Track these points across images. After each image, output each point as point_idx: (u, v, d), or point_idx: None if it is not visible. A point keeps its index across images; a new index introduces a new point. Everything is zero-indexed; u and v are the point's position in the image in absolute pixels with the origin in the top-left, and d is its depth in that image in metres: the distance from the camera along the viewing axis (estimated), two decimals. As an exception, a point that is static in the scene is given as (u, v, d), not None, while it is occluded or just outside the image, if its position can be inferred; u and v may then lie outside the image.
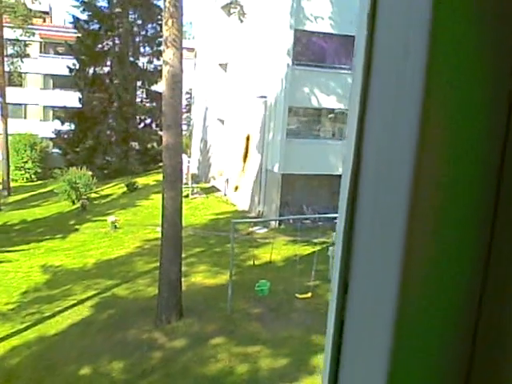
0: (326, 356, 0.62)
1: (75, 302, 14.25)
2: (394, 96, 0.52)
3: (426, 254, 0.51)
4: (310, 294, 13.72)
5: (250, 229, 19.96)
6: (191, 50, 33.96)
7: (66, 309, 13.83)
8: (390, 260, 0.52)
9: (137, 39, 34.11)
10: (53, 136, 34.96)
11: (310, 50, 21.09)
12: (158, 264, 13.60)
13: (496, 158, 0.51)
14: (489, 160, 0.51)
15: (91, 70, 33.57)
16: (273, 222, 20.64)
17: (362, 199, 0.57)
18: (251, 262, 15.66)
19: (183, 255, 13.93)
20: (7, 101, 29.97)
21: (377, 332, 0.54)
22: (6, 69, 30.38)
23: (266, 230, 20.32)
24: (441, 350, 0.54)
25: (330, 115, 22.37)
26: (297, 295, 13.61)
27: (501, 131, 0.51)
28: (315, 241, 18.26)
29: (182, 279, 13.47)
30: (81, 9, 33.13)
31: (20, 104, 37.51)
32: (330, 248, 15.05)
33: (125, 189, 27.98)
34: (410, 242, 0.50)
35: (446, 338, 0.54)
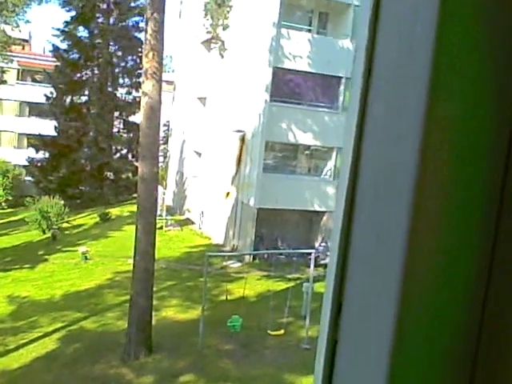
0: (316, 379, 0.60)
1: (41, 334, 13.78)
2: (395, 101, 0.49)
3: (428, 269, 0.49)
4: (282, 331, 13.53)
5: (224, 263, 19.79)
6: (170, 83, 34.20)
7: (31, 341, 13.36)
8: (388, 277, 0.49)
9: (116, 70, 34.22)
10: (26, 164, 34.47)
11: (288, 88, 21.42)
12: (129, 297, 13.31)
13: (500, 164, 0.49)
14: (493, 167, 0.49)
15: (68, 99, 33.47)
16: (247, 257, 20.50)
17: (358, 213, 0.54)
18: (224, 297, 15.43)
19: (155, 288, 13.68)
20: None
21: (373, 354, 0.51)
22: (-18, 94, 30.11)
23: (240, 264, 20.15)
24: (442, 377, 0.51)
25: (307, 151, 22.60)
26: (269, 332, 13.41)
27: (506, 135, 0.49)
28: (289, 276, 18.18)
29: (153, 313, 13.18)
30: (61, 38, 33.28)
31: (-6, 130, 37.07)
32: (305, 284, 14.96)
33: (97, 219, 27.58)
34: (410, 257, 0.48)
35: (446, 363, 0.50)
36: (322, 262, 20.47)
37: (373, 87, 0.52)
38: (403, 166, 0.48)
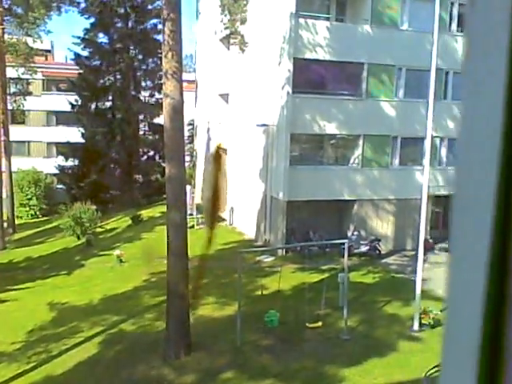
0: None
1: (82, 339, 14.00)
2: None
3: None
4: (320, 323, 13.46)
5: (257, 258, 19.78)
6: (192, 82, 34.26)
7: (73, 346, 13.57)
8: None
9: (138, 73, 34.50)
10: (57, 172, 35.09)
11: (310, 78, 21.20)
12: (165, 297, 13.40)
13: None
14: None
15: (93, 106, 33.90)
16: (280, 250, 20.44)
17: None
18: (259, 292, 15.42)
19: (190, 287, 13.72)
20: (10, 139, 30.08)
21: None
22: (9, 107, 30.63)
23: (273, 258, 20.11)
24: None
25: (332, 141, 22.37)
26: (307, 324, 13.35)
27: None
28: (323, 268, 18.07)
29: (190, 312, 13.24)
30: (82, 46, 33.68)
31: (23, 141, 37.73)
32: (340, 274, 14.82)
33: (130, 222, 27.86)
34: None
35: None
36: (356, 251, 20.28)
37: None
38: None
